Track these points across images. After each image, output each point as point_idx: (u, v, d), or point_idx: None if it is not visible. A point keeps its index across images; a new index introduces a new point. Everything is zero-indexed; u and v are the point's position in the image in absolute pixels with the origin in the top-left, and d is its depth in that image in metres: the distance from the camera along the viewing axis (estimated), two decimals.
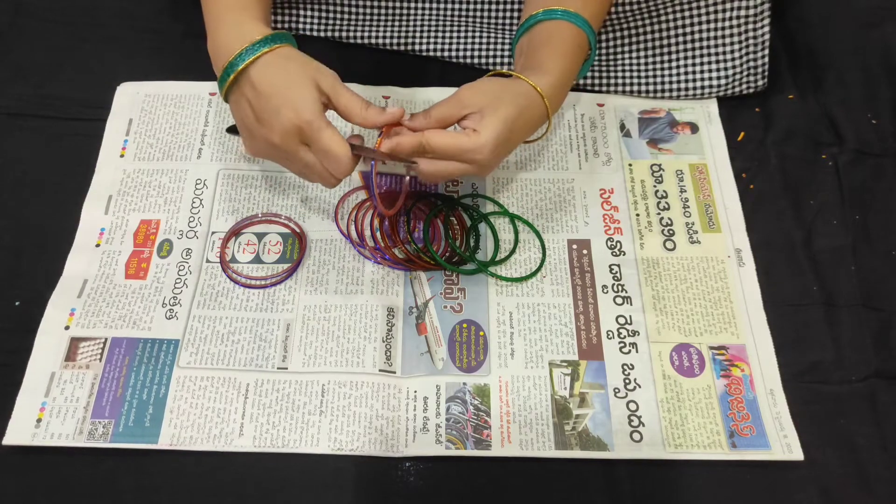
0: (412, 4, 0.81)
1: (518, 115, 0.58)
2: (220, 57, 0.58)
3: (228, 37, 0.58)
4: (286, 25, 0.81)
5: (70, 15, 0.83)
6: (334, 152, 0.55)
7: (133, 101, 0.77)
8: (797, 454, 0.60)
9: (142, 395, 0.61)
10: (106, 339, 0.64)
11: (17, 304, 0.66)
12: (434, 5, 0.81)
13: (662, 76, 0.78)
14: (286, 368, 0.63)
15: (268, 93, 0.55)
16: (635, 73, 0.79)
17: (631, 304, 0.67)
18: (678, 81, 0.78)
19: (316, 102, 0.55)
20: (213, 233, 0.70)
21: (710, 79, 0.77)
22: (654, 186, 0.74)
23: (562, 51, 0.62)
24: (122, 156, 0.74)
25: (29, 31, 0.82)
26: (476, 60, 0.80)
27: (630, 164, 0.75)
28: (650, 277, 0.68)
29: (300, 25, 0.81)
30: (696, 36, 0.76)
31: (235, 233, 0.70)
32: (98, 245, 0.69)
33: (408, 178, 0.70)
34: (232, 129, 0.72)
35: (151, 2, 0.84)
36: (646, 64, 0.78)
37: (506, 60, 0.79)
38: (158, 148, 0.75)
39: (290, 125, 0.55)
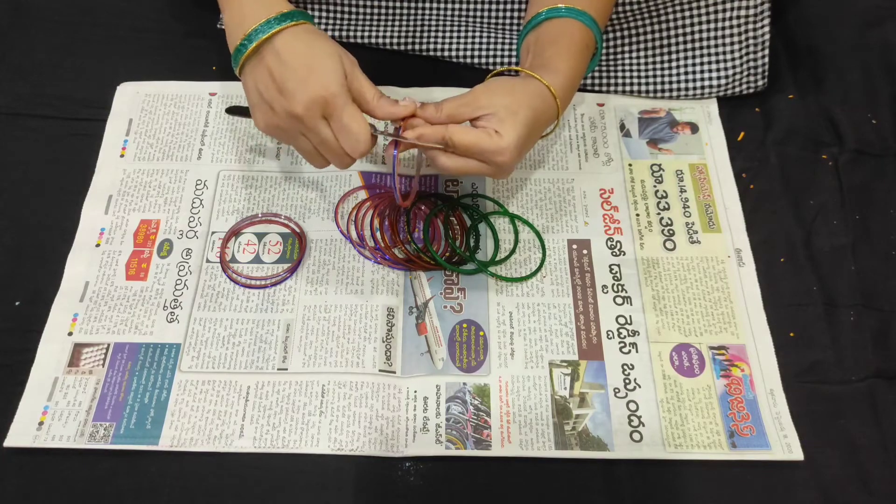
0: (413, 4, 0.81)
1: (535, 117, 0.59)
2: (241, 26, 0.57)
3: (252, 8, 0.57)
4: None
5: (70, 15, 0.83)
6: (355, 129, 0.55)
7: (133, 101, 0.77)
8: (797, 454, 0.60)
9: (143, 399, 0.61)
10: (108, 345, 0.64)
11: (17, 304, 0.66)
12: (435, 5, 0.81)
13: (662, 76, 0.78)
14: (286, 369, 0.63)
15: (294, 63, 0.55)
16: (635, 73, 0.79)
17: (631, 304, 0.67)
18: (678, 81, 0.78)
19: (342, 77, 0.55)
20: (213, 233, 0.70)
21: (710, 79, 0.77)
22: (654, 186, 0.74)
23: (571, 50, 0.62)
24: (122, 156, 0.74)
25: (29, 31, 0.82)
26: (477, 60, 0.80)
27: (630, 164, 0.75)
28: (650, 277, 0.68)
29: None
30: (696, 36, 0.76)
31: (235, 233, 0.70)
32: (98, 245, 0.69)
33: (418, 175, 0.70)
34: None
35: (151, 2, 0.84)
36: (646, 64, 0.78)
37: (506, 60, 0.79)
38: (158, 148, 0.75)
39: (316, 96, 0.54)
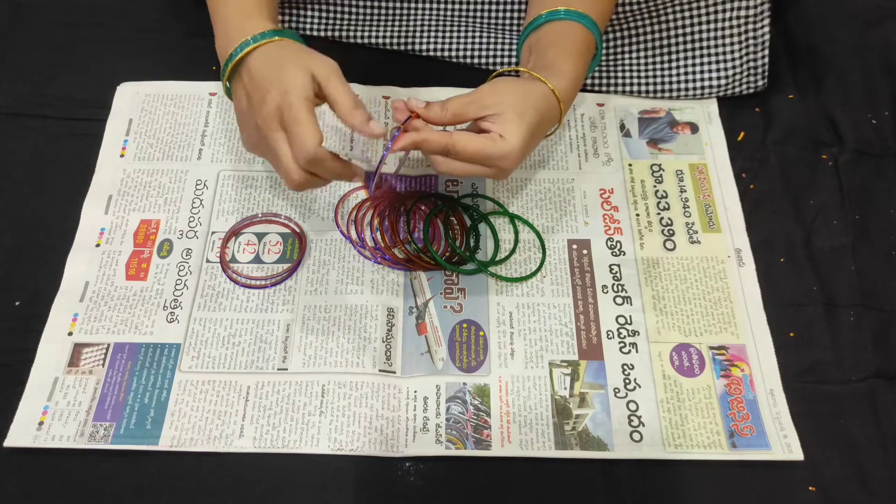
0: (412, 4, 0.81)
1: (540, 120, 0.59)
2: (223, 52, 0.58)
3: (234, 34, 0.58)
4: (287, 25, 0.81)
5: (70, 15, 0.83)
6: (298, 132, 0.52)
7: (133, 101, 0.77)
8: (797, 454, 0.60)
9: (143, 399, 0.61)
10: (108, 345, 0.64)
11: (17, 304, 0.66)
12: (434, 5, 0.81)
13: (662, 76, 0.78)
14: (286, 369, 0.63)
15: (259, 76, 0.55)
16: (635, 73, 0.79)
17: (631, 304, 0.67)
18: (678, 81, 0.78)
19: (303, 87, 0.54)
20: (213, 233, 0.70)
21: (710, 79, 0.77)
22: (654, 186, 0.74)
23: (573, 52, 0.62)
24: (122, 156, 0.74)
25: (29, 31, 0.82)
26: (476, 60, 0.80)
27: (630, 164, 0.75)
28: (650, 277, 0.68)
29: (301, 25, 0.81)
30: (697, 36, 0.76)
31: (235, 233, 0.70)
32: (98, 245, 0.69)
33: (396, 173, 0.70)
34: None
35: (151, 2, 0.84)
36: (646, 64, 0.78)
37: (506, 61, 0.79)
38: (158, 148, 0.75)
39: (273, 104, 0.54)
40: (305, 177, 0.55)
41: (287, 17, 0.81)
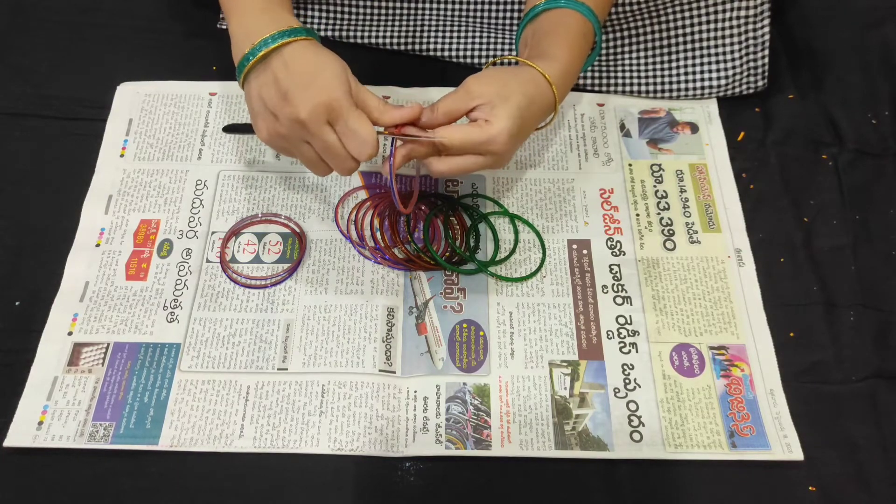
0: (413, 4, 0.81)
1: (529, 103, 0.58)
2: (249, 37, 0.57)
3: (260, 21, 0.58)
4: None
5: (70, 15, 0.83)
6: (361, 132, 0.55)
7: (133, 101, 0.77)
8: (797, 454, 0.60)
9: (143, 399, 0.61)
10: (108, 344, 0.64)
11: (17, 304, 0.66)
12: (435, 5, 0.81)
13: (662, 76, 0.78)
14: (286, 369, 0.63)
15: (300, 70, 0.55)
16: (635, 73, 0.79)
17: (631, 304, 0.67)
18: (678, 81, 0.78)
19: (346, 84, 0.56)
20: (213, 233, 0.70)
21: (710, 79, 0.77)
22: (654, 186, 0.74)
23: (567, 38, 0.62)
24: (122, 156, 0.74)
25: (29, 31, 0.82)
26: (476, 60, 0.80)
27: (630, 164, 0.75)
28: (650, 277, 0.68)
29: None
30: (697, 36, 0.76)
31: (235, 233, 0.70)
32: (98, 245, 0.69)
33: (418, 176, 0.70)
34: (229, 129, 0.72)
35: (151, 2, 0.84)
36: (646, 64, 0.78)
37: None
38: (158, 148, 0.75)
39: (320, 101, 0.54)
40: (358, 164, 0.58)
41: None
